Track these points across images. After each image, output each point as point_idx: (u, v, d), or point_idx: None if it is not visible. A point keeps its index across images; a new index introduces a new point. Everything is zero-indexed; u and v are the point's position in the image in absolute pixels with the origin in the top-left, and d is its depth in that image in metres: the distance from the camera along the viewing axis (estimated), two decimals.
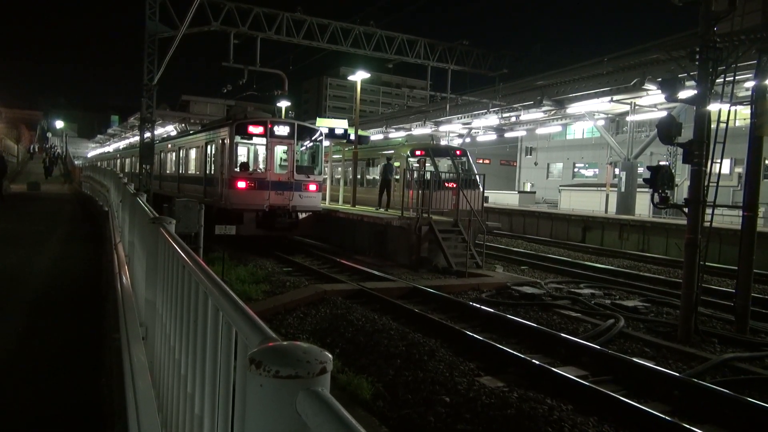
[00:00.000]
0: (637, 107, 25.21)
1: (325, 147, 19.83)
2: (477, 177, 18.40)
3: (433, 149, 21.31)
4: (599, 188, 36.56)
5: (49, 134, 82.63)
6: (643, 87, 21.25)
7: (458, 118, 33.58)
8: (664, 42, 19.49)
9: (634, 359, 7.65)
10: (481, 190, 17.06)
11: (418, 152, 20.67)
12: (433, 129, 36.84)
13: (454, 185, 16.34)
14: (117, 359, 4.02)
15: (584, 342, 8.34)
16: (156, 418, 2.63)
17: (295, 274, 14.03)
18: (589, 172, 48.71)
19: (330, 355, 1.04)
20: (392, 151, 21.57)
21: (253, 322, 1.32)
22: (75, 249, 11.33)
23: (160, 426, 2.56)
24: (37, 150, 60.83)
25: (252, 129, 17.19)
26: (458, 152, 21.49)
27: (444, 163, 20.56)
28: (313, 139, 18.11)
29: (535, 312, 10.74)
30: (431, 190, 15.96)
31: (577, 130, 49.00)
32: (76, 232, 14.24)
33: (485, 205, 17.68)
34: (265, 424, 1.03)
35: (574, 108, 27.06)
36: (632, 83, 21.95)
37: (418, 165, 19.18)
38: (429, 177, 16.83)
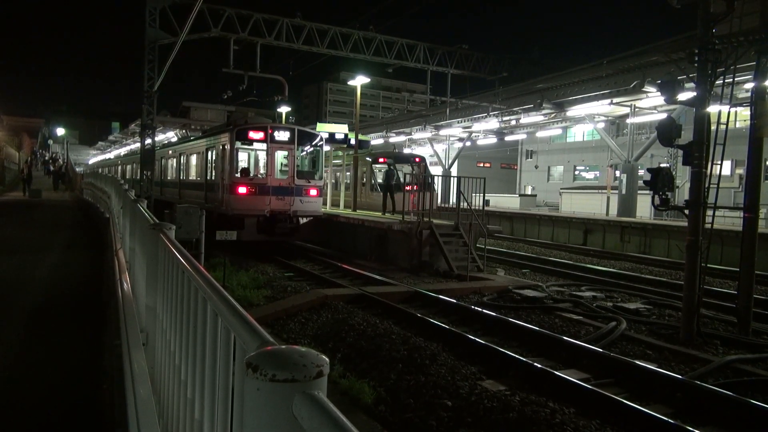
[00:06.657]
0: (637, 109, 25.22)
1: (325, 152, 19.89)
2: (432, 181, 19.99)
3: (394, 156, 23.52)
4: (600, 191, 36.55)
5: (51, 141, 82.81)
6: (643, 89, 21.25)
7: (458, 122, 33.65)
8: (664, 44, 19.52)
9: (637, 362, 7.62)
10: (436, 191, 19.21)
11: (381, 159, 22.96)
12: (433, 133, 36.91)
13: (412, 188, 18.44)
14: (118, 365, 4.02)
15: (586, 345, 8.32)
16: (156, 424, 2.63)
17: (296, 279, 14.03)
18: (590, 175, 48.68)
19: (326, 359, 1.04)
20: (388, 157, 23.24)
21: (250, 327, 1.32)
22: (76, 255, 11.35)
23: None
24: (31, 161, 51.12)
25: (252, 134, 17.23)
26: (417, 159, 23.50)
27: (405, 170, 22.14)
28: (313, 144, 18.14)
29: (536, 315, 10.72)
30: (393, 191, 19.28)
31: (578, 133, 49.04)
32: (76, 238, 14.25)
33: (486, 208, 17.73)
34: (262, 427, 1.03)
35: (574, 111, 27.08)
36: (632, 85, 21.97)
37: (381, 171, 21.81)
38: (386, 180, 19.88)
